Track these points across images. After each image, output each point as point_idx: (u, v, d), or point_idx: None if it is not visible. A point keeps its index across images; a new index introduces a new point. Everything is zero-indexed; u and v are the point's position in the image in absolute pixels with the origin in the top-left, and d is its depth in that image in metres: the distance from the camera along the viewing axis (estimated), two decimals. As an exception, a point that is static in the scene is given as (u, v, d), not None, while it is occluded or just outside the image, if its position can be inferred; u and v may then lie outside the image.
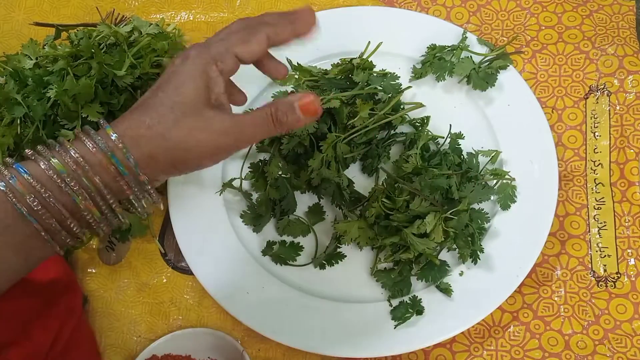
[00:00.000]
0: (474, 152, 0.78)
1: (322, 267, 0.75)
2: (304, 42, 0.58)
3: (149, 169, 0.50)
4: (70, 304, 0.71)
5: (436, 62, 0.82)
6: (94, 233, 0.51)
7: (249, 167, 0.78)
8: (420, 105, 0.78)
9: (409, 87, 0.81)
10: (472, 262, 0.72)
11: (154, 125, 0.49)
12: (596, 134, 0.81)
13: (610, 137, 0.81)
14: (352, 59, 0.78)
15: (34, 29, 0.89)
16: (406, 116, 0.78)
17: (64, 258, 0.76)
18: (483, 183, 0.75)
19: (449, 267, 0.74)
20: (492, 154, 0.77)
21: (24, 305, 0.61)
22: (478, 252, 0.72)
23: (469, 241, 0.72)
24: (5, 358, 0.58)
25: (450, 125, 0.78)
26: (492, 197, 0.76)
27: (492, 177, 0.76)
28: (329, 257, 0.75)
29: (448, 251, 0.76)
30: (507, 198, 0.76)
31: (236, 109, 0.62)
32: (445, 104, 0.82)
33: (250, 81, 0.83)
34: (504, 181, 0.76)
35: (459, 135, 0.78)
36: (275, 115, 0.54)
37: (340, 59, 0.80)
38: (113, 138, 0.48)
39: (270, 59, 0.62)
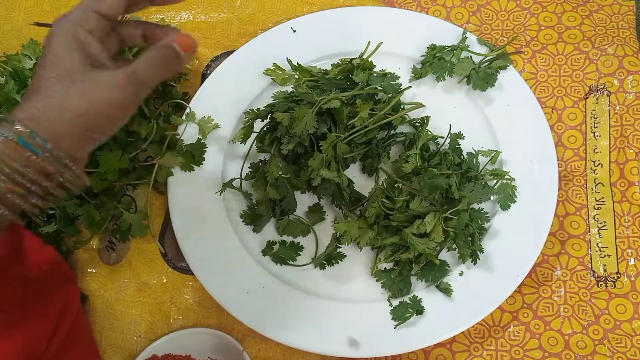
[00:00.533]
0: (474, 152, 0.78)
1: (322, 267, 0.75)
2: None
3: (63, 144, 0.51)
4: (67, 298, 0.71)
5: (436, 62, 0.82)
6: (27, 211, 0.52)
7: (249, 167, 0.78)
8: (420, 105, 0.78)
9: (409, 87, 0.81)
10: (472, 262, 0.72)
11: (48, 103, 0.50)
12: (596, 134, 0.81)
13: (610, 137, 0.81)
14: (352, 59, 0.78)
15: (34, 29, 0.89)
16: (406, 116, 0.78)
17: (60, 255, 0.76)
18: (483, 183, 0.75)
19: (449, 267, 0.74)
20: (492, 154, 0.77)
21: (13, 296, 0.61)
22: (478, 252, 0.72)
23: (469, 241, 0.72)
24: (4, 351, 0.58)
25: (450, 125, 0.78)
26: (492, 197, 0.76)
27: (492, 177, 0.76)
28: (329, 257, 0.75)
29: (448, 251, 0.76)
30: (507, 198, 0.76)
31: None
32: (445, 104, 0.82)
33: (251, 82, 0.83)
34: (504, 181, 0.76)
35: (459, 135, 0.78)
36: (165, 53, 0.55)
37: (340, 59, 0.80)
38: (17, 126, 0.49)
39: (136, 23, 0.61)
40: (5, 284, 0.60)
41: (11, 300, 0.61)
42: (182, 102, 0.83)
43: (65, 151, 0.51)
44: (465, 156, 0.77)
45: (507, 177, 0.76)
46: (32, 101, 0.51)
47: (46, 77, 0.52)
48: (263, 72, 0.83)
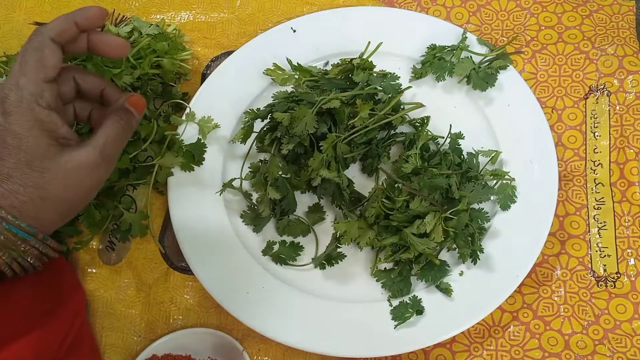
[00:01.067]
0: (474, 152, 0.78)
1: (322, 267, 0.75)
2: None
3: (46, 226, 0.54)
4: (76, 305, 0.71)
5: (436, 62, 0.82)
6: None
7: (249, 167, 0.78)
8: (420, 105, 0.78)
9: (409, 87, 0.81)
10: (472, 262, 0.72)
11: (27, 192, 0.52)
12: (596, 134, 0.81)
13: (610, 137, 0.81)
14: (352, 59, 0.78)
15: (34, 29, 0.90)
16: (406, 116, 0.78)
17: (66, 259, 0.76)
18: (483, 183, 0.75)
19: (449, 267, 0.74)
20: (492, 154, 0.77)
21: (30, 305, 0.61)
22: (478, 252, 0.72)
23: (469, 241, 0.72)
24: (16, 353, 0.58)
25: (450, 125, 0.78)
26: (492, 197, 0.76)
27: (492, 177, 0.76)
28: (329, 257, 0.75)
29: (448, 251, 0.76)
30: (507, 198, 0.76)
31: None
32: (445, 104, 0.82)
33: (251, 82, 0.83)
34: (504, 181, 0.76)
35: (459, 135, 0.78)
36: (126, 120, 0.58)
37: (340, 59, 0.80)
38: (1, 213, 0.51)
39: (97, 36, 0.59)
40: (21, 287, 0.60)
41: (26, 303, 0.61)
42: (182, 102, 0.83)
43: (47, 232, 0.54)
44: (465, 156, 0.77)
45: (507, 177, 0.76)
46: (7, 187, 0.52)
47: (15, 163, 0.52)
48: (263, 72, 0.83)
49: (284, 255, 0.76)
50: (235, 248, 0.77)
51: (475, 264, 0.73)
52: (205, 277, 0.74)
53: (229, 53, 0.87)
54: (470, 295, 0.73)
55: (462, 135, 0.78)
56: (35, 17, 0.90)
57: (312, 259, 0.76)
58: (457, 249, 0.73)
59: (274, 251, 0.77)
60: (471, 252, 0.72)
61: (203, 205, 0.78)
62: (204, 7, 0.91)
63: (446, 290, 0.73)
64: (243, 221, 0.78)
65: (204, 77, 0.88)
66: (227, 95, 0.82)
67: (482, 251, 0.72)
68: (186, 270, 0.79)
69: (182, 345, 0.75)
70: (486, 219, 0.75)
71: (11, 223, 0.51)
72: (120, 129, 0.57)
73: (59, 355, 0.64)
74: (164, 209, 0.82)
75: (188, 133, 0.80)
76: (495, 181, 0.77)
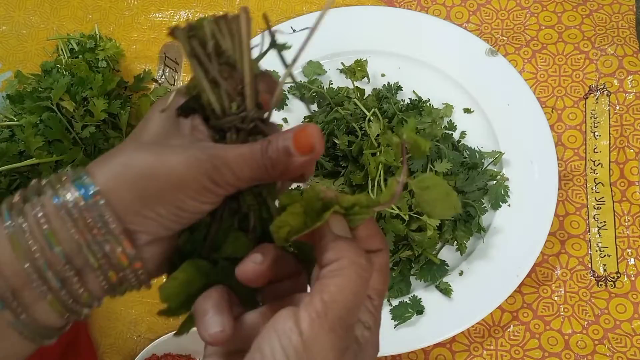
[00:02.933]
0: (477, 149, 0.78)
1: None
2: None
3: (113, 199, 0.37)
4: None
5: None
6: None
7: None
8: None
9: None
10: (479, 233, 0.74)
11: (116, 155, 0.38)
12: (596, 133, 0.81)
13: (610, 137, 0.81)
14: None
15: (34, 29, 0.90)
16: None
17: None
18: (479, 170, 0.76)
19: (448, 266, 0.74)
20: (496, 156, 0.77)
21: None
22: (481, 227, 0.73)
23: (468, 225, 0.73)
24: None
25: (455, 125, 0.79)
26: (486, 184, 0.76)
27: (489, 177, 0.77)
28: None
29: (446, 243, 0.76)
30: (498, 197, 0.76)
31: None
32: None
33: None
34: (496, 180, 0.76)
35: (461, 135, 0.79)
36: (267, 147, 0.38)
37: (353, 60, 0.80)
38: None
39: None
40: None
41: None
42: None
43: (113, 209, 0.37)
44: (467, 153, 0.78)
45: (499, 176, 0.76)
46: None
47: (129, 138, 0.41)
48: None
49: None
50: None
51: (484, 234, 0.74)
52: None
53: (228, 52, 0.87)
54: (470, 295, 0.73)
55: (465, 134, 0.79)
56: (35, 17, 0.90)
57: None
58: (455, 241, 0.73)
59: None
60: (476, 228, 0.73)
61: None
62: (203, 6, 0.91)
63: (446, 290, 0.73)
64: None
65: (203, 76, 0.87)
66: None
67: (484, 230, 0.74)
68: (186, 270, 0.79)
69: (182, 346, 0.75)
70: (482, 210, 0.75)
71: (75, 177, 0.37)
72: (252, 160, 0.38)
73: (57, 356, 0.64)
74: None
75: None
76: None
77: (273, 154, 0.38)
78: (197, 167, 0.37)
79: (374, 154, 0.70)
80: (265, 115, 0.39)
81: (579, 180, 0.80)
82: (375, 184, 0.70)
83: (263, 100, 0.40)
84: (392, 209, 0.70)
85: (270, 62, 0.79)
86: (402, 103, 0.79)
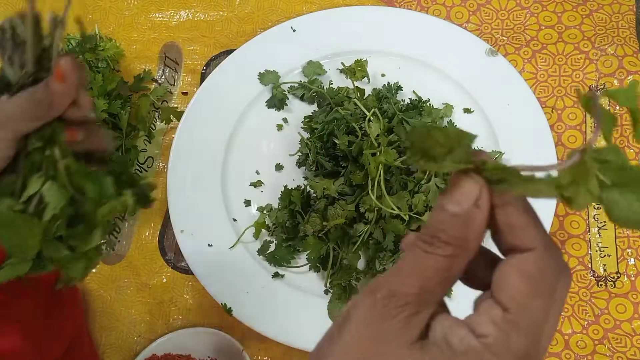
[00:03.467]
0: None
1: (317, 270, 0.75)
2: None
3: None
4: (75, 307, 0.71)
5: None
6: None
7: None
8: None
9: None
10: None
11: None
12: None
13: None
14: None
15: (34, 29, 0.89)
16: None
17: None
18: None
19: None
20: (496, 156, 0.77)
21: (29, 305, 0.61)
22: None
23: None
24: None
25: (455, 124, 0.79)
26: None
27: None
28: (324, 260, 0.75)
29: None
30: None
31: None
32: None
33: (251, 81, 0.83)
34: None
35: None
36: (34, 90, 0.48)
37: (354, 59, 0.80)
38: None
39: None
40: (26, 297, 0.60)
41: (31, 312, 0.62)
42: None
43: None
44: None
45: None
46: None
47: None
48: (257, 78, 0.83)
49: (279, 256, 0.76)
50: (235, 248, 0.77)
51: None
52: (205, 277, 0.74)
53: (228, 52, 0.87)
54: (470, 295, 0.73)
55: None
56: (34, 16, 0.90)
57: (307, 259, 0.76)
58: None
59: (269, 251, 0.77)
60: None
61: (203, 206, 0.78)
62: (203, 6, 0.91)
63: (446, 290, 0.73)
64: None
65: (202, 76, 0.88)
66: (227, 94, 0.82)
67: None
68: (186, 270, 0.79)
69: (182, 345, 0.75)
70: None
71: None
72: (32, 108, 0.49)
73: (58, 356, 0.64)
74: (163, 209, 0.82)
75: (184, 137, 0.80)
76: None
77: (37, 95, 0.48)
78: None
79: (374, 154, 0.70)
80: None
81: (579, 180, 0.80)
82: (375, 184, 0.70)
83: (59, 70, 0.49)
84: (392, 209, 0.69)
85: (269, 64, 0.78)
86: (402, 103, 0.79)
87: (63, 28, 0.52)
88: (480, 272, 0.32)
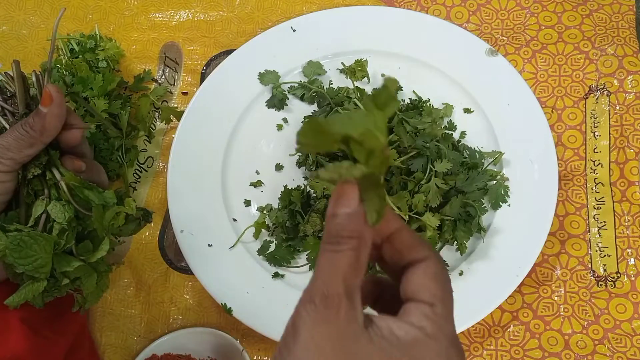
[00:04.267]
0: (476, 149, 0.78)
1: None
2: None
3: None
4: (83, 318, 0.72)
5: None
6: None
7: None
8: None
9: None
10: (479, 233, 0.74)
11: None
12: (596, 133, 0.81)
13: (610, 137, 0.81)
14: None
15: (34, 29, 0.90)
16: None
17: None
18: (479, 170, 0.76)
19: (448, 266, 0.74)
20: (496, 156, 0.77)
21: (33, 309, 0.61)
22: (481, 227, 0.73)
23: (468, 225, 0.73)
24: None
25: (455, 125, 0.79)
26: (486, 184, 0.76)
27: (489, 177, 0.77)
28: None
29: (446, 243, 0.76)
30: (498, 197, 0.76)
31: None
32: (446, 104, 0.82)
33: (251, 81, 0.83)
34: (496, 180, 0.76)
35: (461, 135, 0.79)
36: (25, 121, 0.55)
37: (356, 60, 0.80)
38: None
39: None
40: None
41: (34, 315, 0.62)
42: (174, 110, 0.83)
43: None
44: (467, 153, 0.78)
45: (499, 176, 0.76)
46: None
47: None
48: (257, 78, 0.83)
49: (279, 256, 0.76)
50: (235, 248, 0.77)
51: (483, 233, 0.74)
52: (205, 277, 0.74)
53: (228, 52, 0.87)
54: (470, 295, 0.73)
55: (465, 134, 0.79)
56: (35, 17, 0.90)
57: (307, 259, 0.76)
58: (455, 241, 0.73)
59: (269, 251, 0.77)
60: (476, 227, 0.73)
61: (203, 205, 0.78)
62: (203, 6, 0.91)
63: (446, 290, 0.73)
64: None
65: (202, 76, 0.88)
66: (227, 94, 0.82)
67: (484, 230, 0.74)
68: (186, 270, 0.79)
69: (181, 345, 0.75)
70: (482, 209, 0.74)
71: None
72: (23, 138, 0.55)
73: (60, 357, 0.64)
74: (163, 209, 0.82)
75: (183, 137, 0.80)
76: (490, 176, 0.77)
77: (30, 121, 0.54)
78: None
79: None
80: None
81: (579, 180, 0.80)
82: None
83: (47, 93, 0.55)
84: (392, 209, 0.70)
85: (269, 64, 0.78)
86: (402, 103, 0.79)
87: (49, 79, 0.60)
88: (386, 296, 0.40)
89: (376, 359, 0.32)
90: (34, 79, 0.59)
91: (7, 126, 0.57)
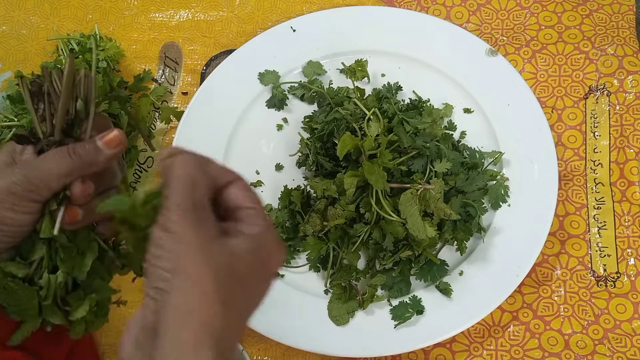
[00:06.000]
0: (476, 149, 0.78)
1: (317, 270, 0.75)
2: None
3: None
4: None
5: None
6: None
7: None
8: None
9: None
10: (479, 233, 0.74)
11: None
12: (596, 133, 0.81)
13: (610, 137, 0.81)
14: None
15: (34, 29, 0.90)
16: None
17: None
18: (479, 170, 0.76)
19: (448, 266, 0.74)
20: (496, 156, 0.77)
21: None
22: (481, 227, 0.73)
23: (468, 225, 0.73)
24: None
25: (455, 125, 0.79)
26: (486, 184, 0.76)
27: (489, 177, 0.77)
28: (324, 260, 0.75)
29: (446, 243, 0.76)
30: (498, 197, 0.76)
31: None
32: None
33: (251, 81, 0.83)
34: (496, 180, 0.76)
35: (461, 135, 0.79)
36: (73, 149, 0.51)
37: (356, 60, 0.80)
38: None
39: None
40: None
41: None
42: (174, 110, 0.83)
43: None
44: (467, 153, 0.78)
45: (499, 176, 0.76)
46: None
47: None
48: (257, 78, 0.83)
49: None
50: (235, 248, 0.77)
51: (483, 233, 0.74)
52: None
53: (228, 52, 0.87)
54: (470, 295, 0.73)
55: (465, 134, 0.79)
56: (35, 17, 0.90)
57: (307, 259, 0.76)
58: (455, 241, 0.73)
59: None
60: (476, 227, 0.74)
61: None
62: (203, 6, 0.91)
63: (446, 290, 0.73)
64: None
65: (202, 76, 0.88)
66: (227, 94, 0.82)
67: (484, 230, 0.74)
68: (186, 270, 0.79)
69: (182, 345, 0.75)
70: (482, 209, 0.74)
71: None
72: (61, 159, 0.52)
73: (62, 357, 0.64)
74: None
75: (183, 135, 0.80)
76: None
77: (81, 151, 0.51)
78: (8, 181, 0.48)
79: (374, 155, 0.70)
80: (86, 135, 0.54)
81: (579, 180, 0.80)
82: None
83: (115, 136, 0.53)
84: (389, 214, 0.69)
85: (269, 64, 0.78)
86: (402, 103, 0.79)
87: (96, 89, 0.55)
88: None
89: (236, 251, 0.41)
90: (81, 88, 0.54)
91: (40, 136, 0.53)
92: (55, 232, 0.52)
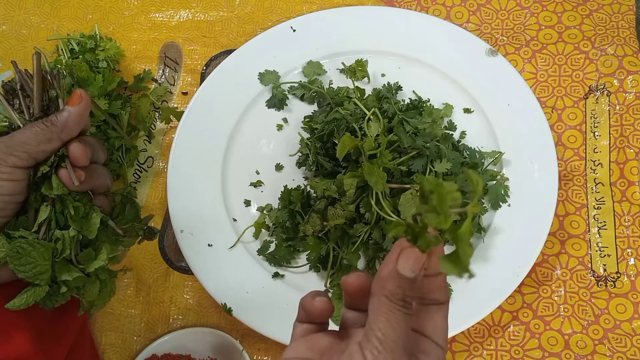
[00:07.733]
0: (476, 149, 0.78)
1: (317, 270, 0.75)
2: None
3: None
4: (84, 319, 0.72)
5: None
6: None
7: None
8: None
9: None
10: (479, 233, 0.74)
11: None
12: (596, 133, 0.81)
13: (610, 136, 0.81)
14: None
15: (34, 29, 0.90)
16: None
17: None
18: (479, 170, 0.76)
19: (448, 266, 0.74)
20: (496, 156, 0.77)
21: (37, 310, 0.61)
22: (481, 227, 0.74)
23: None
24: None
25: (455, 125, 0.79)
26: (487, 184, 0.76)
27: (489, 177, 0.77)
28: (324, 260, 0.75)
29: (446, 243, 0.76)
30: (498, 197, 0.76)
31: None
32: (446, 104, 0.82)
33: (251, 81, 0.83)
34: (496, 180, 0.76)
35: (461, 135, 0.79)
36: (47, 119, 0.56)
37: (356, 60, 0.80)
38: None
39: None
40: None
41: (38, 317, 0.62)
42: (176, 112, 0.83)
43: None
44: (467, 153, 0.78)
45: (499, 176, 0.76)
46: None
47: None
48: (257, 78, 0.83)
49: (279, 256, 0.76)
50: (235, 248, 0.77)
51: (482, 233, 0.74)
52: (205, 277, 0.74)
53: (228, 52, 0.87)
54: (470, 295, 0.73)
55: (465, 134, 0.79)
56: (35, 17, 0.90)
57: (307, 259, 0.76)
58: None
59: (269, 251, 0.77)
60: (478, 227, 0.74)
61: (203, 205, 0.78)
62: (203, 6, 0.91)
63: (446, 290, 0.73)
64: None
65: (202, 76, 0.88)
66: (227, 94, 0.82)
67: (484, 230, 0.74)
68: (186, 270, 0.79)
69: (182, 345, 0.75)
70: (482, 210, 0.74)
71: None
72: (40, 133, 0.56)
73: (62, 358, 0.64)
74: (163, 208, 0.82)
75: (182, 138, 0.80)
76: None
77: (51, 118, 0.56)
78: None
79: (374, 155, 0.70)
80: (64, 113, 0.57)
81: (579, 180, 0.80)
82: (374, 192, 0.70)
83: (77, 93, 0.58)
84: (389, 215, 0.69)
85: (269, 64, 0.78)
86: (402, 103, 0.79)
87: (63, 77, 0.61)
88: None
89: None
90: (49, 77, 0.60)
91: (20, 125, 0.57)
92: (76, 182, 0.56)
